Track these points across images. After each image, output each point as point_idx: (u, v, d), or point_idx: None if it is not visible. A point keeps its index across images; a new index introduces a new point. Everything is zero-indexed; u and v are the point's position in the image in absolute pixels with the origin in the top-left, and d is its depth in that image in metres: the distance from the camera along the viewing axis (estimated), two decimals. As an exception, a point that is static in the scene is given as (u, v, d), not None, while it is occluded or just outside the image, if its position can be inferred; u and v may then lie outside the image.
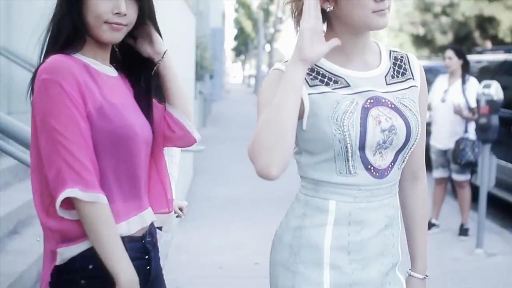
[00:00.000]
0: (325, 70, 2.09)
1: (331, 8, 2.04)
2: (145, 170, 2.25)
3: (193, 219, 7.79)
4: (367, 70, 2.13)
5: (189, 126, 2.40)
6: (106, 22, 2.11)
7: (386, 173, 2.10)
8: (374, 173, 2.07)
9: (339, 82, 2.07)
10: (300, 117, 2.04)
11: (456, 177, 7.53)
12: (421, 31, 32.08)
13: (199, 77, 15.08)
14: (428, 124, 7.35)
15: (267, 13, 36.46)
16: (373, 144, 2.04)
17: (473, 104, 7.23)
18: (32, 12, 7.15)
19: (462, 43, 27.97)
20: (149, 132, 2.25)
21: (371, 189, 2.08)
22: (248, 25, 49.06)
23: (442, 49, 26.81)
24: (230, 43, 66.78)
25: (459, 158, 7.32)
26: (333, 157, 2.04)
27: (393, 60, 2.19)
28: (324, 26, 2.09)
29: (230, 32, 64.47)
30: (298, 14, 2.10)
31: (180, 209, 4.06)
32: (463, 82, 7.50)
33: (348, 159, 2.03)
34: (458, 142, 7.37)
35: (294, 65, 1.96)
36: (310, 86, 2.05)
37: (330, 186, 2.08)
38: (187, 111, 2.41)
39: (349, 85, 2.07)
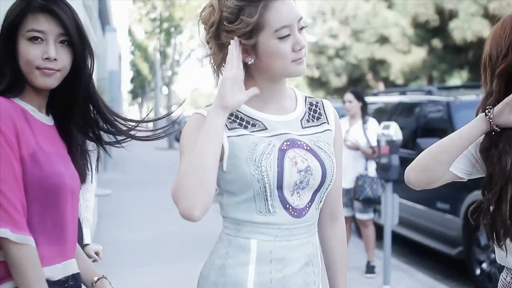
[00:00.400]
0: (243, 114, 2.17)
1: (253, 61, 2.14)
2: (72, 219, 2.24)
3: (101, 265, 7.59)
4: (283, 114, 2.22)
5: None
6: (37, 68, 2.13)
7: (304, 213, 2.17)
8: (292, 212, 2.15)
9: (256, 125, 2.16)
10: (221, 159, 2.10)
11: (360, 216, 7.67)
12: (316, 73, 32.88)
13: (98, 121, 14.88)
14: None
15: (164, 55, 36.45)
16: (290, 184, 2.12)
17: (374, 143, 7.43)
18: None
19: (356, 85, 28.79)
20: (77, 181, 2.27)
21: (290, 228, 2.15)
22: (144, 67, 48.90)
23: (337, 91, 27.58)
24: (127, 85, 66.39)
25: (357, 194, 7.51)
26: (253, 196, 2.11)
27: (309, 105, 2.29)
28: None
29: (127, 74, 64.15)
30: (217, 67, 2.21)
31: (96, 253, 4.00)
32: (364, 122, 7.73)
33: (267, 199, 2.10)
34: (357, 179, 7.58)
35: (215, 112, 2.06)
36: (229, 129, 2.13)
37: (251, 225, 2.14)
38: None
39: (266, 128, 2.16)
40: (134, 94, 72.49)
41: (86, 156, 3.92)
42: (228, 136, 2.12)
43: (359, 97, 7.85)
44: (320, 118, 2.28)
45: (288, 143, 2.15)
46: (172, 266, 7.13)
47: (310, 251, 2.20)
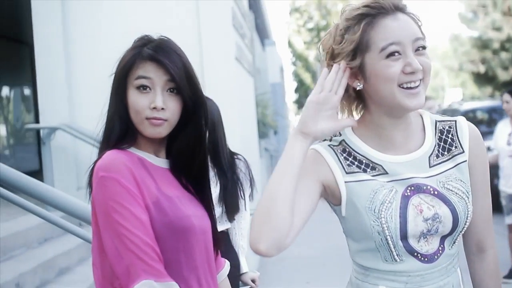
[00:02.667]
0: (361, 155, 2.00)
1: (361, 85, 1.97)
2: (206, 260, 2.23)
3: (268, 281, 7.68)
4: (408, 153, 2.01)
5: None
6: (146, 118, 2.11)
7: (435, 257, 1.97)
8: (422, 258, 1.96)
9: (376, 169, 1.98)
10: (339, 203, 1.98)
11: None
12: (481, 68, 31.67)
13: (262, 135, 15.13)
14: (494, 167, 7.19)
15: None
16: (416, 234, 1.93)
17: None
18: (92, 85, 7.32)
19: (526, 78, 27.50)
20: (207, 222, 2.25)
21: (421, 274, 1.96)
22: (307, 77, 49.27)
23: (506, 85, 26.42)
24: (291, 96, 67.13)
25: None
26: (375, 247, 1.95)
27: (439, 134, 2.05)
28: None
29: (290, 85, 64.85)
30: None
31: (253, 281, 4.03)
32: None
33: (391, 249, 1.94)
34: (526, 185, 7.14)
35: (294, 137, 1.90)
36: (346, 173, 1.97)
37: (378, 273, 1.99)
38: None
39: (387, 173, 1.97)
40: (299, 103, 73.14)
41: (237, 185, 4.00)
42: (346, 182, 1.96)
43: None
44: (451, 149, 2.03)
45: (412, 188, 1.95)
46: (338, 281, 7.04)
47: None
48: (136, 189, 2.04)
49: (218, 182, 3.96)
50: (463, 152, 2.04)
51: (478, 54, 31.37)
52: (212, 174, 4.00)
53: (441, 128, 2.07)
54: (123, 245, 1.99)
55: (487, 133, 7.84)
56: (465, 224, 1.98)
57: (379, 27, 1.91)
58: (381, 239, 1.91)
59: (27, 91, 14.11)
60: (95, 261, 2.12)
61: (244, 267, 4.05)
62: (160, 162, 2.22)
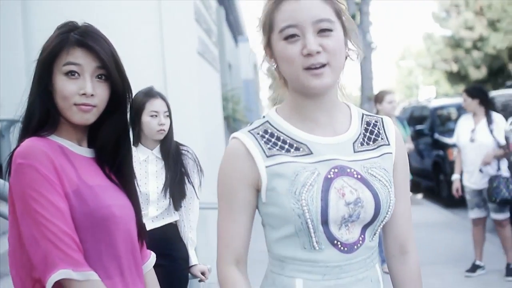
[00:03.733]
0: (285, 135, 1.94)
1: (274, 65, 1.96)
2: (130, 250, 2.18)
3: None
4: (333, 136, 1.96)
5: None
6: (74, 104, 2.07)
7: (355, 247, 1.90)
8: (341, 248, 1.88)
9: (300, 149, 1.91)
10: (259, 189, 1.92)
11: (495, 216, 7.31)
12: (454, 67, 31.91)
13: (233, 130, 15.11)
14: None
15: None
16: (337, 219, 1.86)
17: (502, 142, 7.09)
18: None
19: (497, 76, 27.72)
20: (130, 211, 2.21)
21: (340, 265, 1.89)
22: (281, 74, 49.29)
23: (477, 83, 26.62)
24: (266, 92, 67.13)
25: (493, 196, 7.12)
26: (295, 232, 1.87)
27: (365, 125, 2.02)
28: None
29: (265, 81, 64.78)
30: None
31: (203, 273, 4.02)
32: (489, 121, 7.37)
33: (311, 235, 1.86)
34: (491, 180, 7.17)
35: None
36: (267, 156, 1.90)
37: (296, 263, 1.91)
38: None
39: (311, 153, 1.90)
40: (274, 100, 73.06)
41: (183, 176, 3.98)
42: (266, 166, 1.88)
43: (474, 94, 7.45)
44: (377, 140, 1.99)
45: (336, 170, 1.88)
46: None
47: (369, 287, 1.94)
48: (55, 177, 1.99)
49: (164, 173, 3.96)
50: (389, 144, 2.01)
51: (451, 53, 31.62)
52: (160, 166, 3.99)
53: (368, 120, 2.04)
54: (40, 233, 1.94)
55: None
56: (386, 213, 1.92)
57: (281, 7, 1.88)
58: (301, 222, 1.83)
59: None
60: (12, 251, 2.07)
61: (194, 259, 4.03)
62: (83, 151, 2.17)
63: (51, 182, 1.98)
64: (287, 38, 1.86)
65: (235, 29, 23.79)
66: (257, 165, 1.89)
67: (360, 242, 1.91)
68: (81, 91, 2.06)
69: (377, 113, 8.24)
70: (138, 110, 3.97)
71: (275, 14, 1.89)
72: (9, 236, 2.08)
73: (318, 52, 1.84)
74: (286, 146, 1.91)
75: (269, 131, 1.95)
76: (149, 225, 3.90)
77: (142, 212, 3.80)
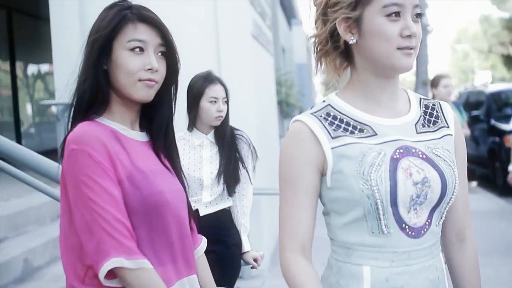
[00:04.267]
0: (349, 117, 1.92)
1: (354, 40, 1.89)
2: (180, 236, 2.15)
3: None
4: (395, 117, 1.94)
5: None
6: (139, 80, 2.06)
7: (422, 232, 1.87)
8: (409, 232, 1.85)
9: (364, 130, 1.89)
10: (324, 173, 1.89)
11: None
12: (511, 50, 31.26)
13: (286, 115, 15.07)
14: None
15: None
16: (406, 200, 1.83)
17: None
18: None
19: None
20: (182, 196, 2.19)
21: (408, 251, 1.86)
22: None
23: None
24: (319, 77, 67.00)
25: None
26: (363, 215, 1.84)
27: (424, 108, 2.01)
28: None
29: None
30: (321, 47, 1.97)
31: (255, 260, 3.99)
32: None
33: (379, 217, 1.83)
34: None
35: None
36: (332, 138, 1.87)
37: (362, 249, 1.87)
38: None
39: (375, 134, 1.88)
40: (327, 85, 72.76)
41: (238, 161, 3.95)
42: (332, 148, 1.86)
43: None
44: (437, 122, 1.98)
45: (401, 151, 1.86)
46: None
47: (434, 276, 1.90)
48: (109, 163, 1.98)
49: (219, 159, 3.94)
50: (449, 127, 2.00)
51: (509, 36, 30.96)
52: (214, 151, 3.97)
53: (426, 103, 2.03)
54: (93, 221, 1.93)
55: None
56: (452, 194, 1.90)
57: None
58: (371, 204, 1.80)
59: (48, 68, 14.19)
60: (64, 237, 2.05)
61: (246, 246, 4.01)
62: (135, 135, 2.15)
63: (105, 168, 1.96)
64: (389, 15, 1.84)
65: (289, 12, 23.70)
66: (322, 146, 1.87)
67: (427, 226, 1.88)
68: (147, 66, 2.05)
69: (433, 97, 8.11)
70: (196, 95, 3.95)
71: None
72: (60, 222, 2.07)
73: (414, 36, 1.86)
74: (350, 128, 1.89)
75: (332, 113, 1.92)
76: (203, 211, 3.91)
77: (196, 197, 3.87)
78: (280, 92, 13.62)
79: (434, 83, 7.92)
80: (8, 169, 4.04)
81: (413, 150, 1.88)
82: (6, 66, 13.07)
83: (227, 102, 4.03)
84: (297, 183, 1.89)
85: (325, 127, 1.88)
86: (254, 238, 4.91)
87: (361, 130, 1.89)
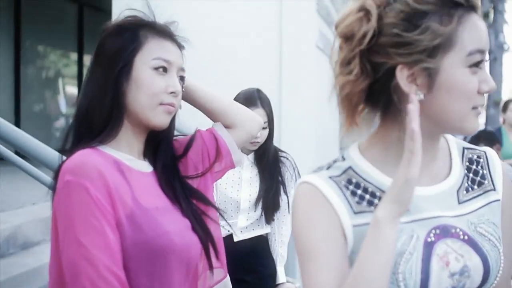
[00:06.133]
0: (374, 185, 1.47)
1: (422, 96, 1.40)
2: (185, 280, 1.87)
3: None
4: (433, 184, 1.50)
5: (230, 145, 2.08)
6: (161, 104, 1.82)
7: None
8: None
9: None
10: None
11: None
12: None
13: (350, 134, 14.81)
14: None
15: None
16: None
17: None
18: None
19: None
20: (193, 236, 1.89)
21: None
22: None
23: None
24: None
25: None
26: None
27: (467, 163, 1.57)
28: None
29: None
30: (351, 101, 1.47)
31: (291, 292, 3.73)
32: None
33: None
34: None
35: (391, 221, 1.34)
36: (355, 213, 1.44)
37: None
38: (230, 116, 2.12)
39: (408, 209, 1.40)
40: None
41: (279, 186, 3.68)
42: (354, 226, 1.44)
43: None
44: (483, 183, 1.55)
45: (438, 231, 1.44)
46: None
47: None
48: (107, 201, 1.70)
49: (259, 181, 3.67)
50: (495, 189, 1.56)
51: None
52: (255, 172, 3.70)
53: (470, 157, 1.59)
54: (80, 267, 1.66)
55: None
56: (495, 280, 1.49)
57: (470, 24, 1.42)
58: None
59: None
60: (52, 284, 1.77)
61: (282, 277, 3.72)
62: (141, 165, 1.89)
63: (101, 207, 1.68)
64: (472, 65, 1.41)
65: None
66: (341, 222, 1.44)
67: None
68: (170, 89, 1.82)
69: (503, 122, 7.71)
70: None
71: (460, 29, 1.41)
72: (50, 266, 1.79)
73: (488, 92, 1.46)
74: (376, 201, 1.46)
75: (354, 180, 1.48)
76: (237, 236, 3.64)
77: (231, 221, 3.59)
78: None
79: (505, 107, 7.51)
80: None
81: (453, 230, 1.46)
82: (75, 57, 13.48)
83: (269, 125, 3.68)
84: (316, 259, 1.43)
85: (346, 198, 1.46)
86: (289, 269, 4.61)
87: None
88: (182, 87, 1.91)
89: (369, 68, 1.43)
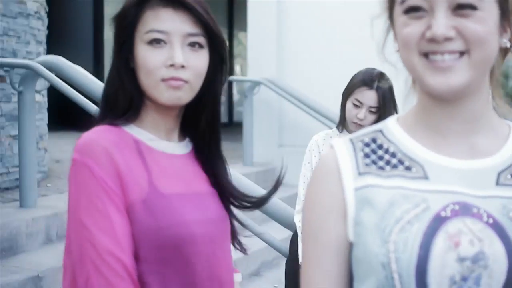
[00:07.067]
0: (398, 148, 1.33)
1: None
2: (212, 278, 1.70)
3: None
4: (470, 158, 1.30)
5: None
6: (162, 80, 1.64)
7: None
8: None
9: (412, 169, 1.29)
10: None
11: None
12: None
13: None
14: None
15: None
16: (442, 280, 1.19)
17: None
18: (302, 41, 7.25)
19: None
20: (222, 228, 1.75)
21: None
22: None
23: None
24: None
25: None
26: None
27: None
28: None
29: None
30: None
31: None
32: None
33: None
34: None
35: None
36: (359, 174, 1.30)
37: None
38: None
39: (426, 177, 1.28)
40: None
41: None
42: (356, 188, 1.29)
43: None
44: None
45: (457, 207, 1.23)
46: None
47: None
48: (115, 181, 1.58)
49: None
50: None
51: None
52: None
53: None
54: (84, 251, 1.55)
55: None
56: None
57: None
58: (386, 276, 1.21)
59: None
60: (65, 262, 1.65)
61: None
62: (168, 146, 1.73)
63: (106, 188, 1.57)
64: (408, 11, 1.27)
65: None
66: (343, 186, 1.31)
67: None
68: (168, 62, 1.62)
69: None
70: (345, 92, 3.63)
71: None
72: (65, 249, 1.65)
73: (448, 39, 1.23)
74: (394, 161, 1.32)
75: (378, 141, 1.36)
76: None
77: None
78: (506, 86, 12.89)
79: None
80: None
81: (475, 210, 1.24)
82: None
83: (379, 112, 3.52)
84: (316, 236, 1.34)
85: (356, 158, 1.33)
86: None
87: (407, 168, 1.30)
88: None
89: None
